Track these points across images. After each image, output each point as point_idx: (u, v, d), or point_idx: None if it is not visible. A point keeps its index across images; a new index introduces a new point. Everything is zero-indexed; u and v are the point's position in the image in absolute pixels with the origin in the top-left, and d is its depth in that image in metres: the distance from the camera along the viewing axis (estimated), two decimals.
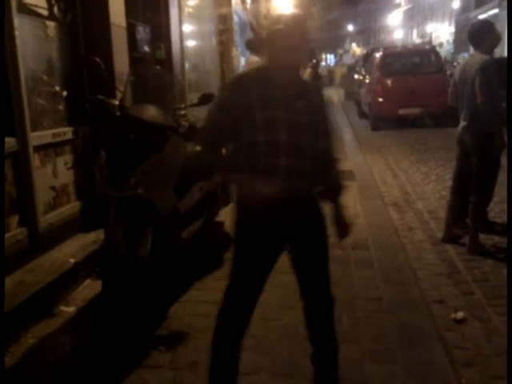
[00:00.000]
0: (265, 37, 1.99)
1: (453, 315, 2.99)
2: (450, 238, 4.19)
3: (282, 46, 1.90)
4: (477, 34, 3.89)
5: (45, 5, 3.86)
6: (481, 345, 2.72)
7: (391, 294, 3.26)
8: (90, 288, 3.38)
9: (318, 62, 8.08)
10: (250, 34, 13.49)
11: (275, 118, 1.91)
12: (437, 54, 12.53)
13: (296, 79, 2.03)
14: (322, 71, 19.10)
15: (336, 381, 2.21)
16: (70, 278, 3.33)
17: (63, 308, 3.13)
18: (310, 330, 2.22)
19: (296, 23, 1.91)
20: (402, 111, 11.25)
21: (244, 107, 1.92)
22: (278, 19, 1.93)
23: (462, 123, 3.97)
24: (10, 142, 3.30)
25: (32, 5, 3.70)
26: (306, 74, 7.61)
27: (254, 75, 2.02)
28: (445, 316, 3.00)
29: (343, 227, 2.18)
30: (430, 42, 21.38)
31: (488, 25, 3.95)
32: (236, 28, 11.35)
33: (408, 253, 4.02)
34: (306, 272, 2.15)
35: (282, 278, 3.20)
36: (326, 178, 2.13)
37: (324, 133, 2.06)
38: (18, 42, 3.33)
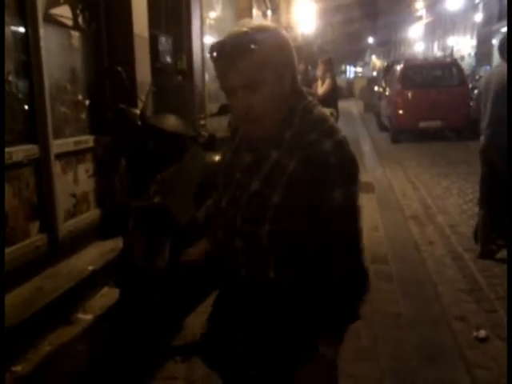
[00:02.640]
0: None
1: (475, 333, 2.92)
2: (488, 253, 4.07)
3: (224, 86, 1.26)
4: (503, 45, 3.87)
5: (70, 15, 3.92)
6: (504, 365, 2.63)
7: (411, 310, 3.20)
8: (107, 296, 3.38)
9: (332, 74, 8.02)
10: None
11: (226, 177, 1.35)
12: (458, 66, 12.41)
13: (265, 127, 1.26)
14: (340, 83, 19.07)
15: None
16: (87, 286, 3.34)
17: (81, 315, 3.13)
18: None
19: (239, 50, 1.20)
20: (422, 124, 11.15)
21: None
22: (217, 42, 1.25)
23: (486, 132, 3.90)
24: (33, 149, 3.34)
25: (57, 15, 3.77)
26: (326, 85, 7.58)
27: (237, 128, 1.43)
28: (466, 334, 2.93)
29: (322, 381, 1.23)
30: (452, 54, 21.21)
31: None
32: None
33: (428, 267, 3.95)
34: None
35: None
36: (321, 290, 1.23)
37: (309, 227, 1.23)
38: (43, 51, 3.38)
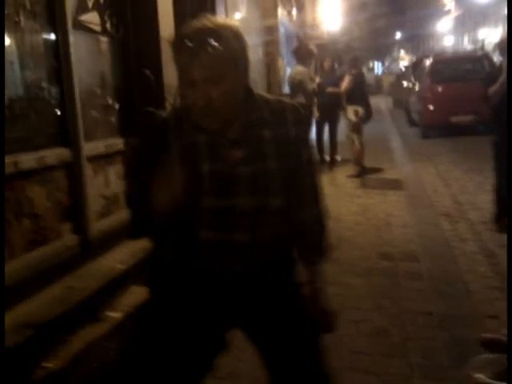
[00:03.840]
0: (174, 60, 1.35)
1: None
2: None
3: (189, 78, 1.31)
4: None
5: (98, 21, 4.01)
6: None
7: (442, 308, 3.15)
8: (136, 294, 3.44)
9: (360, 71, 7.97)
10: (295, 44, 13.53)
11: (220, 178, 1.40)
12: (490, 59, 12.12)
13: (229, 119, 1.38)
14: (369, 80, 18.90)
15: None
16: (117, 284, 3.41)
17: (110, 313, 3.20)
18: None
19: (204, 44, 1.26)
20: (453, 119, 10.94)
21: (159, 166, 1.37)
22: (183, 35, 1.31)
23: None
24: (65, 152, 3.43)
25: (86, 21, 3.86)
26: (346, 82, 7.54)
27: (167, 121, 1.49)
28: (498, 332, 2.87)
29: (318, 316, 1.53)
30: (483, 47, 20.70)
31: None
32: (282, 39, 11.42)
33: (460, 265, 3.88)
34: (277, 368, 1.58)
35: (328, 289, 3.19)
36: (298, 247, 1.57)
37: (293, 187, 1.48)
38: (72, 57, 3.47)
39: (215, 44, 1.25)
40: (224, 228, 1.42)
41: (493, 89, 4.43)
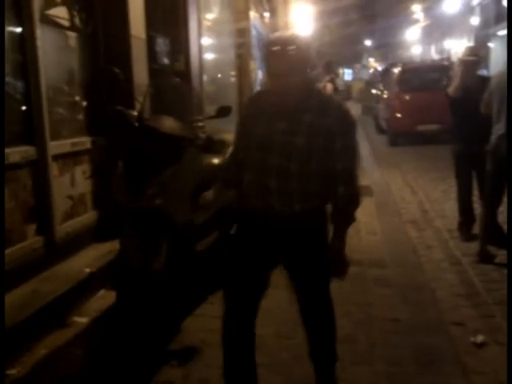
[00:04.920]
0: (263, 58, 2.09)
1: (472, 339, 2.91)
2: (487, 257, 4.07)
3: (272, 71, 1.95)
4: None
5: (66, 15, 3.90)
6: (500, 370, 2.62)
7: (409, 315, 3.18)
8: (103, 299, 3.36)
9: (335, 76, 8.01)
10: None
11: (264, 139, 1.98)
12: (455, 70, 12.42)
13: (294, 100, 1.97)
14: (340, 85, 19.11)
15: None
16: (84, 288, 3.32)
17: (76, 318, 3.11)
18: (309, 346, 2.30)
19: (286, 47, 1.89)
20: (420, 127, 11.15)
21: (244, 125, 2.11)
22: (271, 42, 1.97)
23: (499, 133, 3.83)
24: (30, 150, 3.32)
25: (54, 15, 3.75)
26: (328, 88, 7.53)
27: (256, 97, 2.25)
28: (464, 339, 2.92)
29: (336, 264, 2.07)
30: (449, 58, 21.24)
31: None
32: (254, 42, 11.42)
33: (426, 272, 3.94)
34: (299, 290, 2.20)
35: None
36: (333, 202, 2.08)
37: (332, 155, 1.99)
38: (39, 52, 3.36)
39: (293, 49, 1.88)
40: (261, 175, 2.00)
41: (453, 85, 4.48)
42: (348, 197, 2.04)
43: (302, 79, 1.94)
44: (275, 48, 1.90)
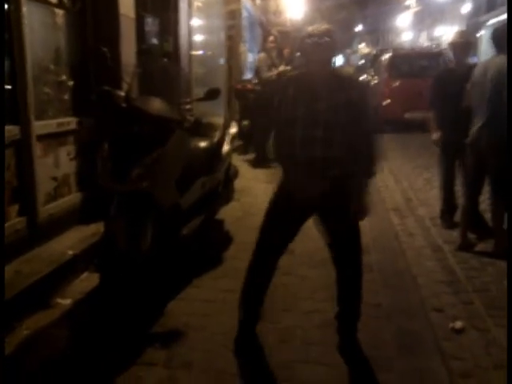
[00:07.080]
0: (299, 47, 2.59)
1: (451, 324, 2.96)
2: (467, 246, 4.13)
3: (312, 58, 2.42)
4: (501, 37, 3.83)
5: None
6: (479, 356, 2.69)
7: (390, 300, 3.23)
8: (87, 281, 3.36)
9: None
10: (258, 30, 13.42)
11: (308, 117, 2.40)
12: (445, 57, 12.42)
13: (327, 81, 2.44)
14: None
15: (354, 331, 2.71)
16: (67, 270, 3.31)
17: (59, 300, 3.10)
18: (338, 292, 2.72)
19: (324, 38, 2.36)
20: (407, 115, 11.16)
21: (282, 105, 2.48)
22: (311, 34, 2.40)
23: (479, 123, 3.85)
24: (13, 130, 3.27)
25: None
26: None
27: (293, 79, 2.60)
28: (443, 325, 2.97)
29: (361, 208, 2.50)
30: (439, 45, 21.25)
31: None
32: (245, 24, 11.30)
33: (408, 258, 3.99)
34: (331, 238, 2.62)
35: (283, 279, 3.20)
36: (358, 164, 2.47)
37: (357, 126, 2.41)
38: (25, 29, 3.30)
39: (328, 39, 2.37)
40: (308, 148, 2.41)
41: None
42: (370, 155, 2.49)
43: (330, 61, 2.50)
44: (315, 39, 2.35)
